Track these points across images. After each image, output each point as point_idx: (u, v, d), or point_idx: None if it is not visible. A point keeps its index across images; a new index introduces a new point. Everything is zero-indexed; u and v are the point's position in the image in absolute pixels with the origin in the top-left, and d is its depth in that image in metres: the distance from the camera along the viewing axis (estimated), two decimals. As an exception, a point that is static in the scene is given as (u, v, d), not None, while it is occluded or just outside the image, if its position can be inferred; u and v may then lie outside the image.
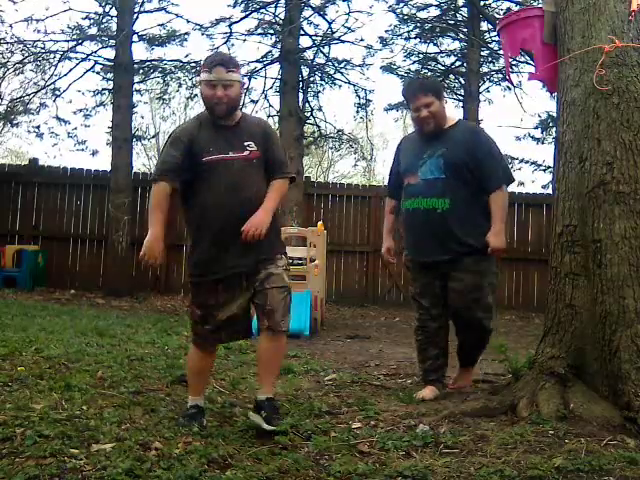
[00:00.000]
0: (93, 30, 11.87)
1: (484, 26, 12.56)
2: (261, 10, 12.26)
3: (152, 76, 12.50)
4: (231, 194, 3.03)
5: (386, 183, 4.49)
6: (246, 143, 3.11)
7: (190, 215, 3.15)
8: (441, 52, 13.50)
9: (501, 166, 3.91)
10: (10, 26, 11.76)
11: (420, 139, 3.94)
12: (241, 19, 12.12)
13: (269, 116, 12.05)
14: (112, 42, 11.30)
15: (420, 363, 4.01)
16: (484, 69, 13.16)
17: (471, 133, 3.94)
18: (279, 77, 12.10)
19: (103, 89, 12.42)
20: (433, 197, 3.76)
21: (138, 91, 12.49)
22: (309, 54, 12.74)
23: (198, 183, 3.07)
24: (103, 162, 30.04)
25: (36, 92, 12.12)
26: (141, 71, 12.10)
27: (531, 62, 7.58)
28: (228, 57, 3.24)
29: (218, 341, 3.27)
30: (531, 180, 19.62)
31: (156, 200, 3.05)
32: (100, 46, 11.76)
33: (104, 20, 11.83)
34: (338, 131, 13.64)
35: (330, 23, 12.48)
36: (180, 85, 12.88)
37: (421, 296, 3.92)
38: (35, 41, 11.68)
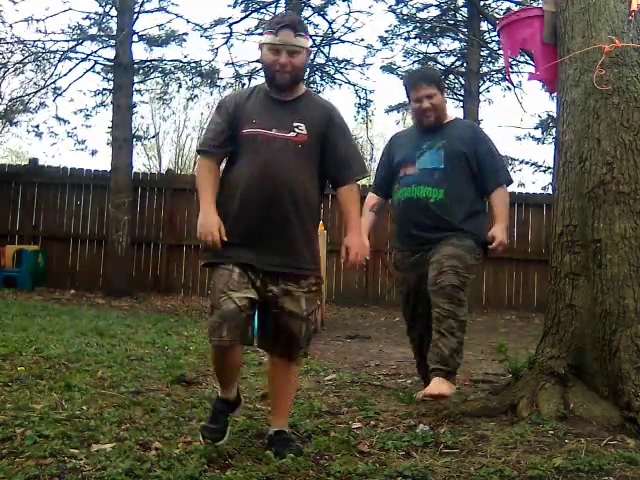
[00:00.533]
0: (93, 30, 11.90)
1: (484, 26, 12.59)
2: (261, 10, 12.31)
3: (152, 76, 12.54)
4: (266, 174, 2.64)
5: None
6: (295, 124, 2.71)
7: (224, 187, 2.76)
8: (441, 52, 13.54)
9: (501, 165, 3.91)
10: (10, 26, 11.80)
11: (417, 132, 3.89)
12: (241, 19, 12.17)
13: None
14: (112, 42, 11.32)
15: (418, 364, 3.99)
16: (484, 69, 13.20)
17: (471, 131, 3.92)
18: (279, 77, 12.11)
19: (103, 89, 12.46)
20: (428, 186, 3.67)
21: (138, 91, 12.52)
22: (309, 54, 12.77)
23: (234, 159, 2.75)
24: (103, 162, 30.00)
25: (36, 92, 12.16)
26: (141, 71, 12.13)
27: (531, 62, 7.59)
28: (298, 19, 2.87)
29: (219, 337, 2.63)
30: (531, 181, 19.61)
31: (200, 177, 2.76)
32: (100, 46, 11.80)
33: (104, 20, 11.87)
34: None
35: (330, 23, 12.52)
36: (180, 85, 12.92)
37: (409, 297, 3.87)
38: (35, 41, 11.73)
